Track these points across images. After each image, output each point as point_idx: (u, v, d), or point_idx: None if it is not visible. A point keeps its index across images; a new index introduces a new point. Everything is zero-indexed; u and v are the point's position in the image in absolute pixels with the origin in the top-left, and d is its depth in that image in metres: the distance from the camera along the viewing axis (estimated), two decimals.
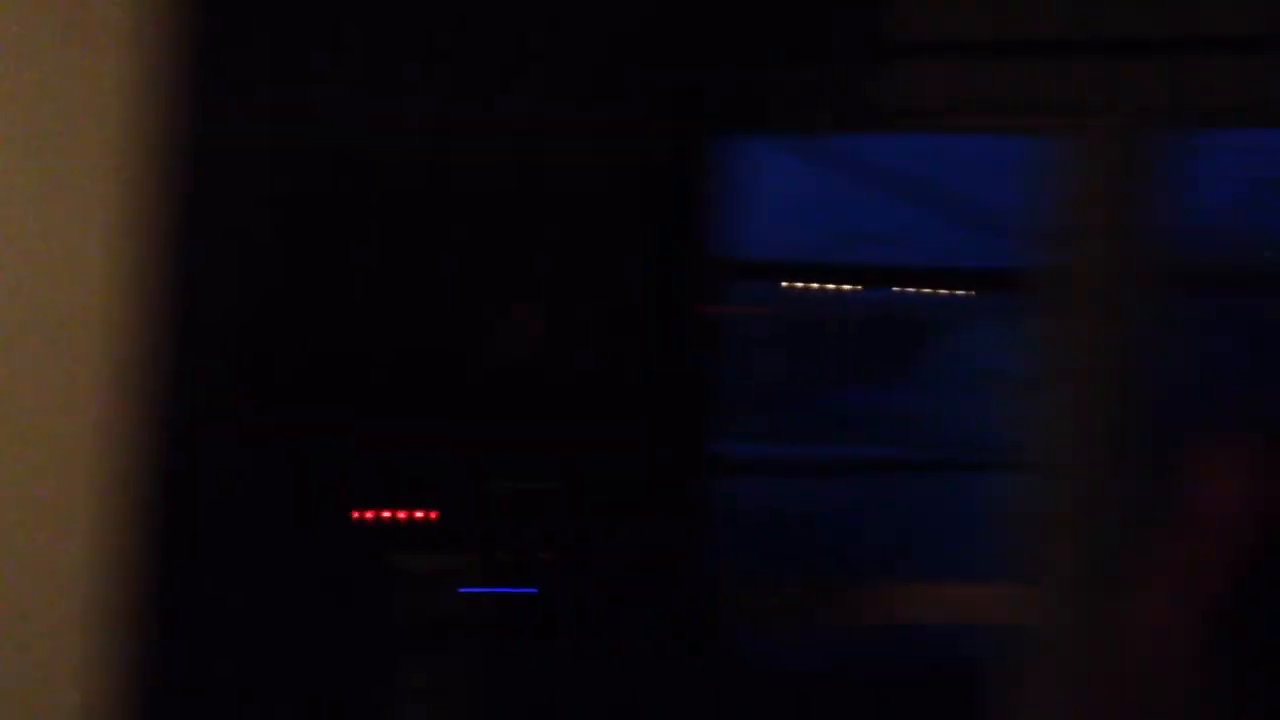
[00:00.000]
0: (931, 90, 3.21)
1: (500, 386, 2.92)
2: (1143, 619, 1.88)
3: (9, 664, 2.44)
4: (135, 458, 2.46)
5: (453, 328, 3.00)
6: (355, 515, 2.79)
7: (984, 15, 3.15)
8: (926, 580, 4.02)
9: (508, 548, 2.86)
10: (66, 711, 2.40)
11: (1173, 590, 1.86)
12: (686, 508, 2.98)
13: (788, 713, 6.10)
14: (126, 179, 2.47)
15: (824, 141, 4.00)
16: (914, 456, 8.02)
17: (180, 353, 2.53)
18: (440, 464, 2.87)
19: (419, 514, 2.81)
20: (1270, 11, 3.13)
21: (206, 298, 2.72)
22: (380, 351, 2.98)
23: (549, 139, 2.99)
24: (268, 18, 2.86)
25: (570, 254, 2.97)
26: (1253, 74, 3.22)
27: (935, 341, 7.59)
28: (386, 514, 2.79)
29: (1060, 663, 3.35)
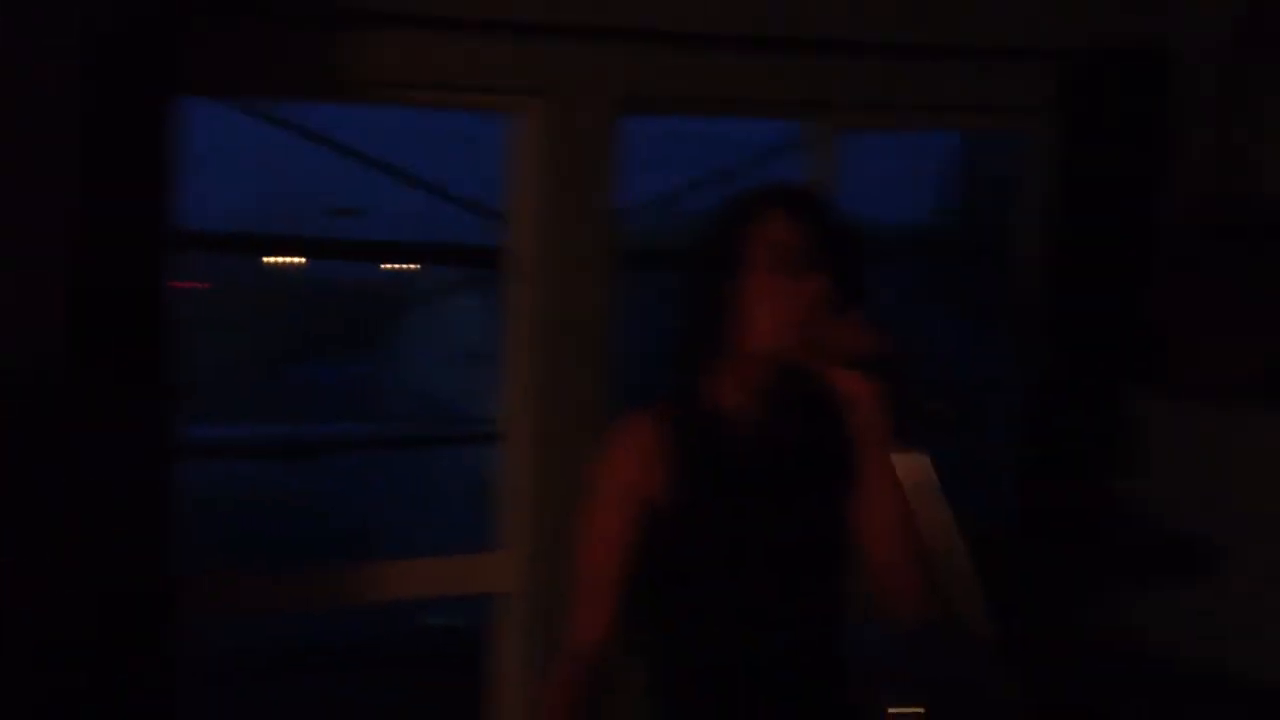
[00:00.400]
0: (389, 62, 3.19)
1: None
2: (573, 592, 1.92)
3: None
4: None
5: None
6: None
7: None
8: (403, 556, 4.01)
9: None
10: None
11: (579, 566, 1.91)
12: (147, 495, 2.76)
13: (270, 697, 5.93)
14: None
15: (289, 111, 3.86)
16: (388, 432, 8.01)
17: None
18: None
19: None
20: (711, 11, 3.39)
21: None
22: None
23: None
24: None
25: None
26: (697, 67, 3.48)
27: (408, 316, 7.60)
28: None
29: (535, 629, 3.47)
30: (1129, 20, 3.76)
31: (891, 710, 2.84)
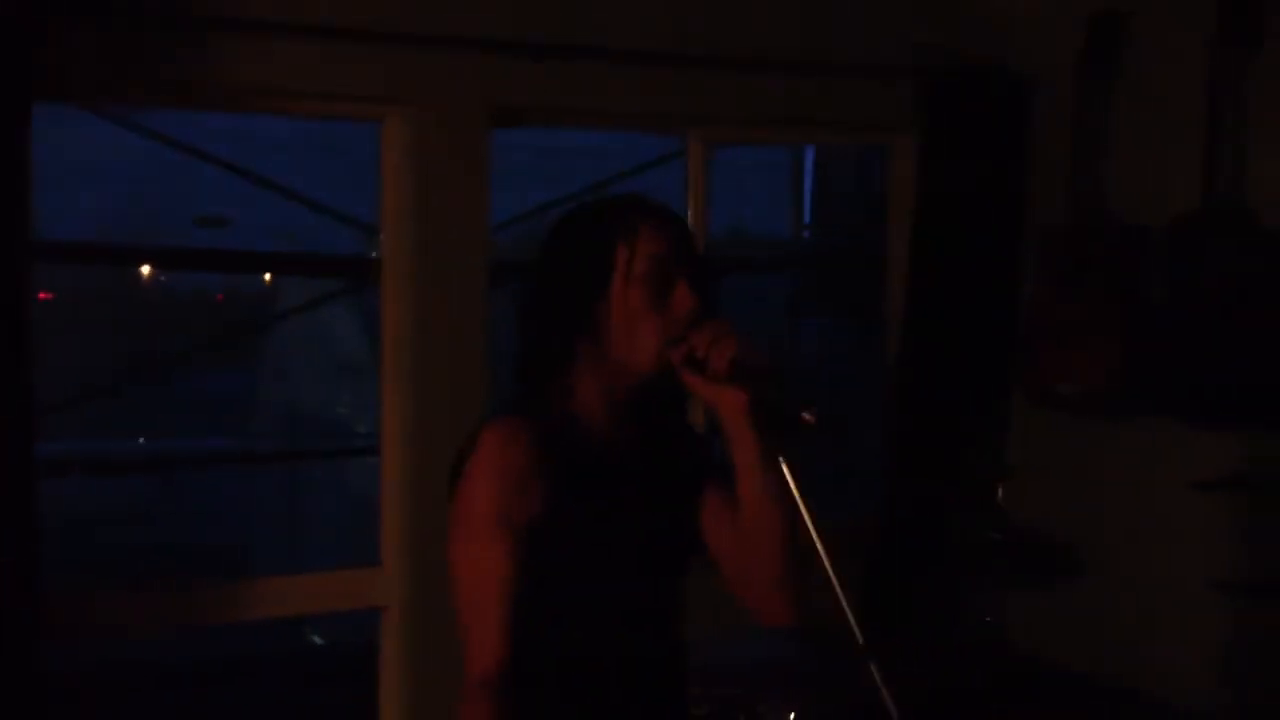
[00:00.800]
0: (254, 70, 3.15)
1: None
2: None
3: None
4: None
5: None
6: None
7: None
8: (277, 573, 3.94)
9: None
10: None
11: (459, 598, 1.83)
12: (8, 512, 2.67)
13: (149, 715, 5.77)
14: None
15: (156, 119, 3.77)
16: (259, 446, 7.84)
17: None
18: None
19: None
20: (581, 24, 3.41)
21: None
22: None
23: None
24: None
25: None
26: (567, 79, 3.50)
27: (280, 328, 7.46)
28: None
29: (417, 642, 3.44)
30: (986, 40, 3.89)
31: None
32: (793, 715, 2.92)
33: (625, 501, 1.84)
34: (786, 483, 1.63)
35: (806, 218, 5.11)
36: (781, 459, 1.62)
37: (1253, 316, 3.16)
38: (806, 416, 1.63)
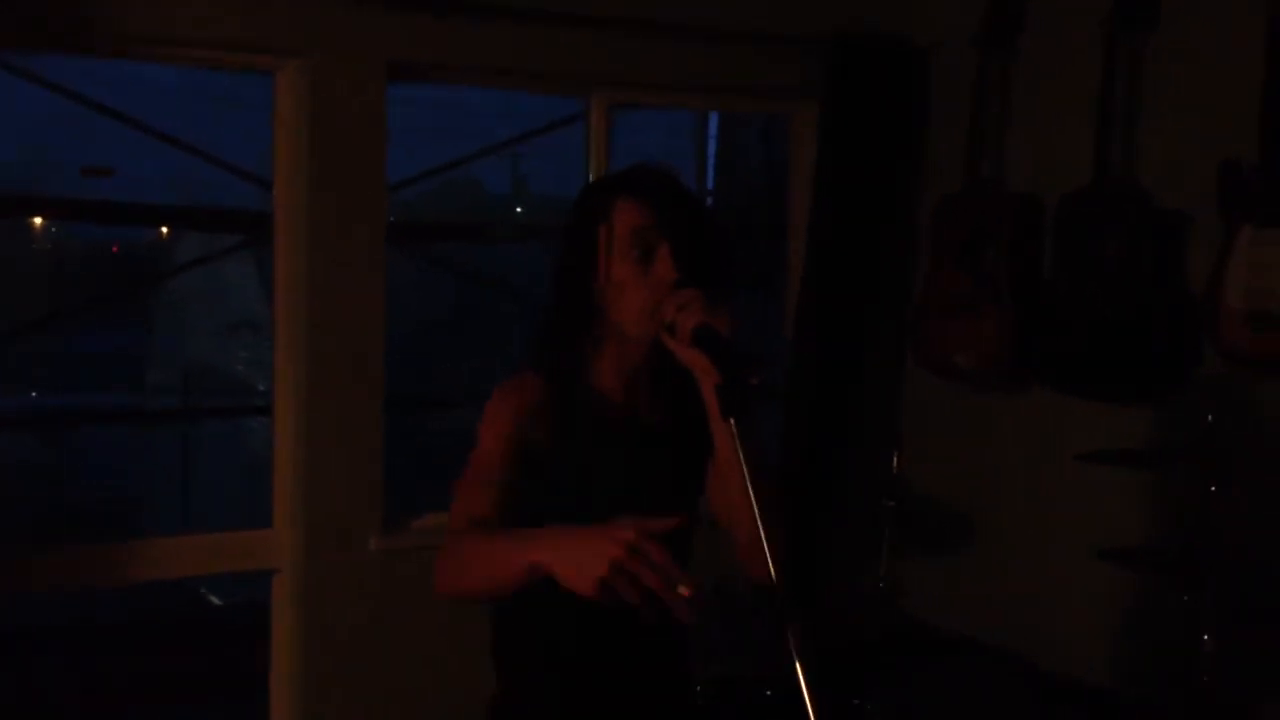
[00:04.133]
0: (143, 16, 3.06)
1: None
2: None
3: None
4: None
5: None
6: None
7: None
8: (169, 533, 3.87)
9: None
10: None
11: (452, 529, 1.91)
12: None
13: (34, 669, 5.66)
14: None
15: (41, 67, 3.64)
16: (151, 404, 7.66)
17: None
18: None
19: None
20: None
21: None
22: None
23: None
24: None
25: None
26: (465, 35, 3.45)
27: (173, 283, 7.29)
28: None
29: (307, 603, 3.40)
30: (888, 11, 3.91)
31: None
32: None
33: (625, 456, 1.92)
34: (744, 444, 1.65)
35: (710, 183, 5.11)
36: (731, 421, 1.64)
37: (1141, 292, 3.23)
38: (752, 380, 1.68)
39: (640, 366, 1.94)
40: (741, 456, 1.63)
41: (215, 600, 6.91)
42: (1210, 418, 2.83)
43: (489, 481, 1.88)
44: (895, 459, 3.51)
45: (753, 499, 1.60)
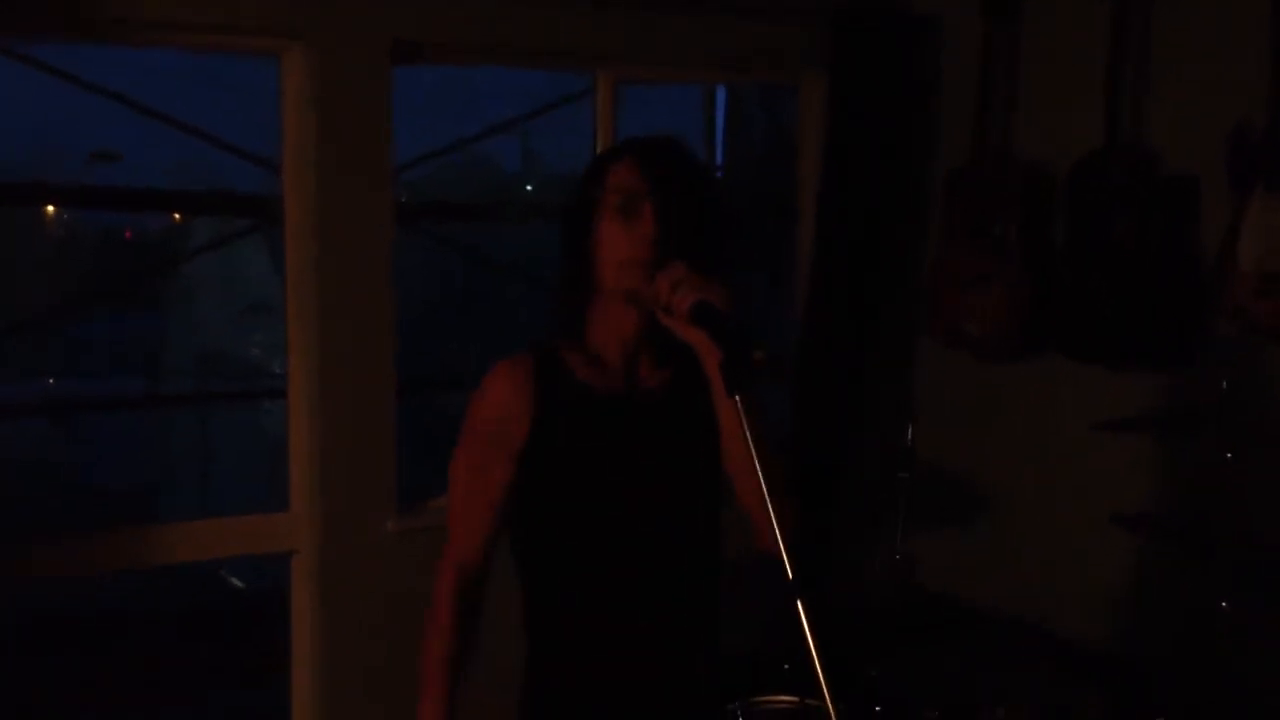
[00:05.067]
0: (142, 1, 3.07)
1: None
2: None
3: None
4: None
5: None
6: None
7: None
8: (187, 518, 3.89)
9: None
10: None
11: (450, 494, 1.96)
12: None
13: (61, 657, 5.71)
14: None
15: (44, 52, 3.64)
16: (166, 389, 7.68)
17: None
18: None
19: None
20: None
21: None
22: None
23: None
24: None
25: None
26: (468, 14, 3.44)
27: (186, 267, 7.30)
28: None
29: (324, 586, 3.42)
30: None
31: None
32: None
33: (624, 439, 1.90)
34: (750, 420, 1.65)
35: (719, 158, 5.09)
36: (737, 398, 1.64)
37: (1152, 259, 3.22)
38: (757, 355, 1.68)
39: (639, 332, 1.91)
40: (748, 433, 1.63)
41: (237, 583, 6.94)
42: (1225, 384, 2.82)
43: (480, 504, 1.92)
44: (909, 431, 3.51)
45: (761, 476, 1.60)
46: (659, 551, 1.90)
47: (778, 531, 1.57)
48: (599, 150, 3.74)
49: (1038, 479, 3.75)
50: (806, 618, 1.52)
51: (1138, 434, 3.30)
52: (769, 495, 1.59)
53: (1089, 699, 3.05)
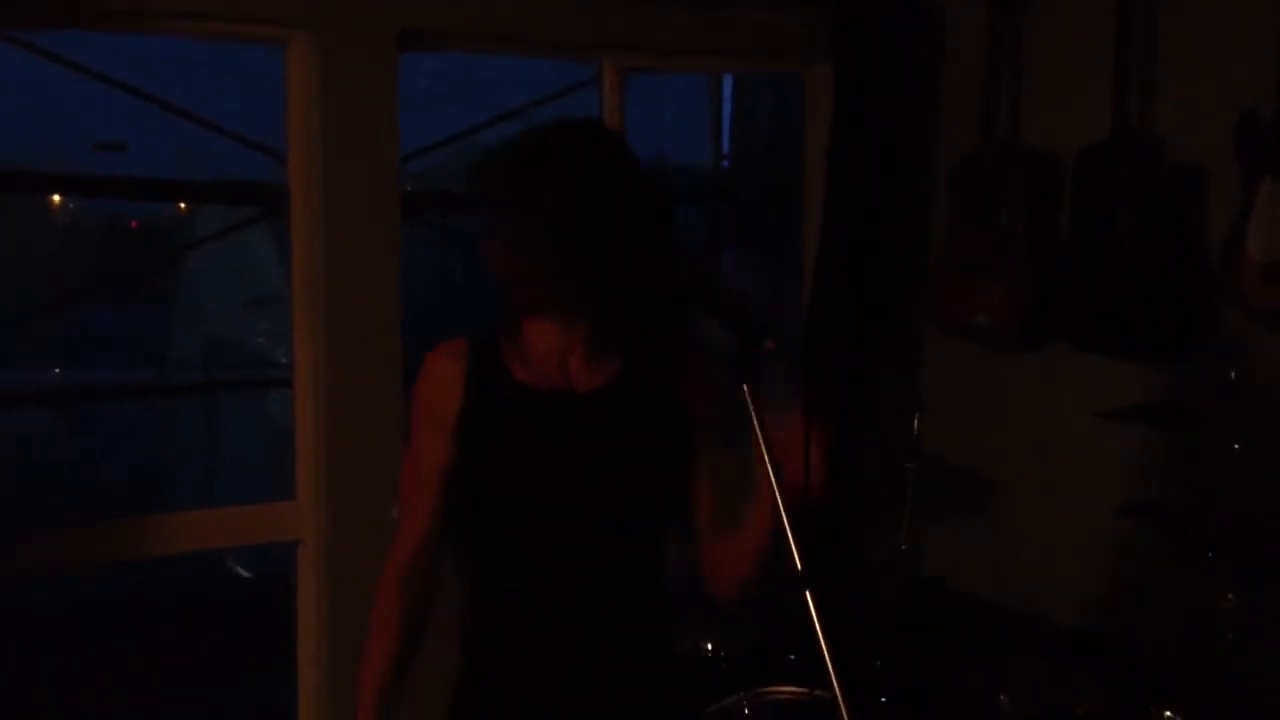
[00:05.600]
0: None
1: None
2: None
3: None
4: None
5: None
6: None
7: None
8: (194, 507, 3.90)
9: None
10: None
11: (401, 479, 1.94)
12: None
13: (50, 650, 5.72)
14: None
15: (49, 40, 3.64)
16: (173, 378, 7.68)
17: None
18: None
19: None
20: None
21: None
22: None
23: None
24: None
25: None
26: (474, 2, 3.43)
27: (192, 256, 7.30)
28: None
29: (331, 575, 3.42)
30: None
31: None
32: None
33: (562, 439, 1.82)
34: (758, 408, 1.63)
35: (725, 147, 5.09)
36: (746, 387, 1.62)
37: (1158, 249, 3.21)
38: (768, 344, 1.66)
39: (568, 336, 1.84)
40: (755, 422, 1.61)
41: (243, 572, 6.94)
42: (1233, 374, 2.81)
43: (424, 488, 1.88)
44: (915, 423, 3.50)
45: (770, 473, 1.58)
46: (599, 554, 1.84)
47: (785, 522, 1.56)
48: None
49: (1042, 470, 3.74)
50: (815, 610, 1.52)
51: (1143, 425, 3.28)
52: (778, 494, 1.57)
53: (1092, 689, 3.04)
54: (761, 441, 1.60)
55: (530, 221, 1.74)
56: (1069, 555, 3.64)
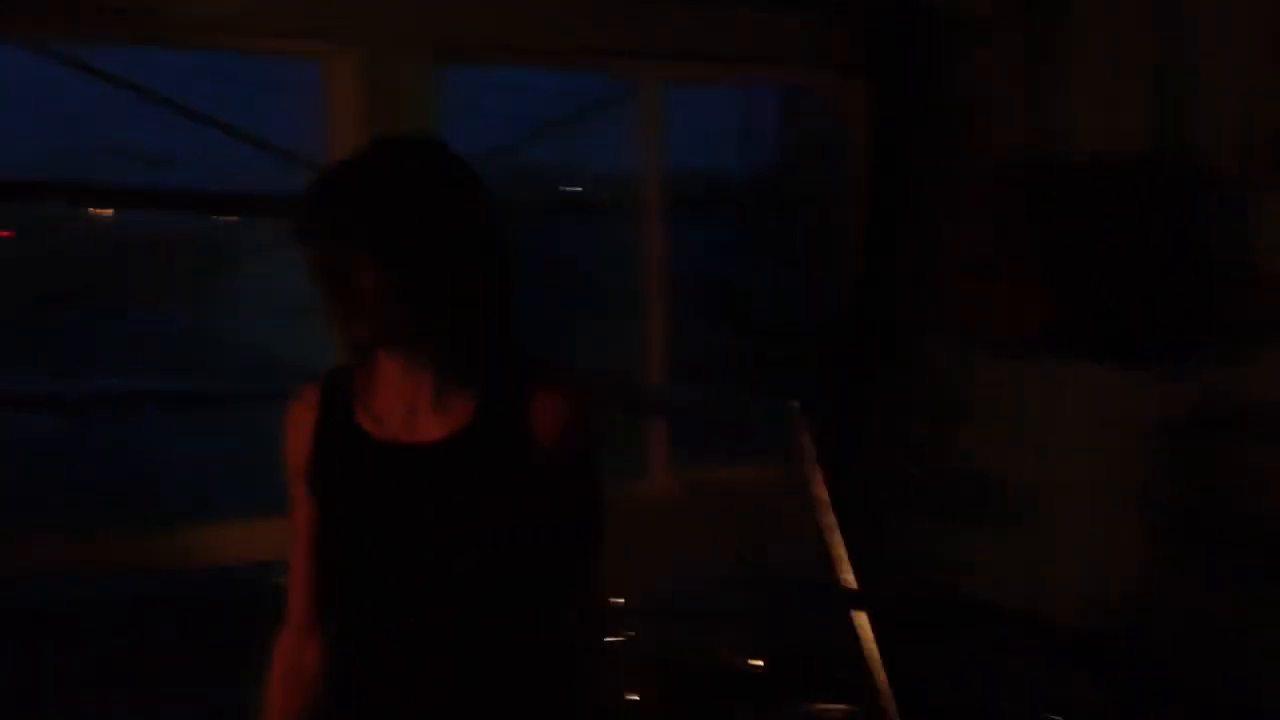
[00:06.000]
0: (195, 6, 3.11)
1: None
2: None
3: None
4: None
5: None
6: None
7: None
8: (229, 517, 3.91)
9: None
10: None
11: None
12: None
13: (59, 651, 5.75)
14: None
15: (98, 57, 3.69)
16: (211, 387, 7.74)
17: None
18: None
19: None
20: None
21: None
22: None
23: None
24: None
25: None
26: (514, 17, 3.45)
27: (233, 268, 7.36)
28: None
29: None
30: None
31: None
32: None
33: (393, 489, 1.72)
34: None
35: (755, 157, 5.09)
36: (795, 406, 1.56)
37: (1172, 256, 3.19)
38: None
39: (415, 379, 1.71)
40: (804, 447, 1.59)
41: (243, 573, 6.91)
42: (1233, 377, 2.80)
43: (298, 546, 1.83)
44: (921, 427, 3.48)
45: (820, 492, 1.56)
46: (428, 608, 1.74)
47: (837, 542, 1.54)
48: (644, 153, 3.74)
49: (1043, 471, 3.72)
50: (867, 631, 1.50)
51: (1144, 426, 3.27)
52: (822, 509, 1.56)
53: (1097, 690, 3.02)
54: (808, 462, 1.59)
55: (346, 250, 1.61)
56: (1069, 555, 3.62)
